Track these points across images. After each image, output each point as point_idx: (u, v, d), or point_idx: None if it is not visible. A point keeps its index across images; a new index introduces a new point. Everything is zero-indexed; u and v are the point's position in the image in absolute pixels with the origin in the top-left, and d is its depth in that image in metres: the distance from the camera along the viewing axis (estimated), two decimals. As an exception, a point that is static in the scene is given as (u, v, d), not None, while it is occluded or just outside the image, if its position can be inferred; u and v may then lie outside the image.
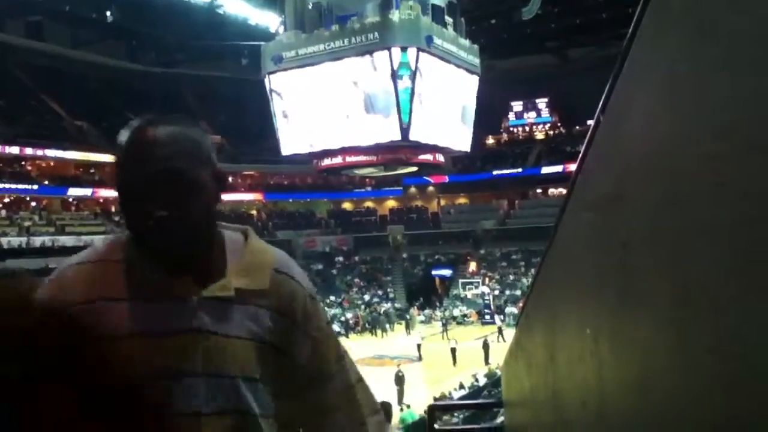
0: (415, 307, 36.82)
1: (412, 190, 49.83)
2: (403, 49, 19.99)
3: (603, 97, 1.25)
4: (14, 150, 35.54)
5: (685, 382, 0.80)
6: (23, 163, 37.55)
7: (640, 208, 0.97)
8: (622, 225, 1.08)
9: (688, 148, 0.77)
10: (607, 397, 1.29)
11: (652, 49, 0.94)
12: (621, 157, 1.10)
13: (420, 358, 24.94)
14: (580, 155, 1.51)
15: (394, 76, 20.03)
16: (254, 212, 48.35)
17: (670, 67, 0.83)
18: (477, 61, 23.75)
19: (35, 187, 36.51)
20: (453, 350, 24.09)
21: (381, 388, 20.15)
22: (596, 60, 38.97)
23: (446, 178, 46.66)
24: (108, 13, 41.32)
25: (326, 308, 35.16)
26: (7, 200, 36.56)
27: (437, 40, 20.88)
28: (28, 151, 36.27)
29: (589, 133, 1.41)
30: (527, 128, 50.59)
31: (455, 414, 12.61)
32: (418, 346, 25.70)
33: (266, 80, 21.93)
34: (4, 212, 35.15)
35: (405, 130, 20.13)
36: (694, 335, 0.76)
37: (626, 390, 1.11)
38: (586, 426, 1.55)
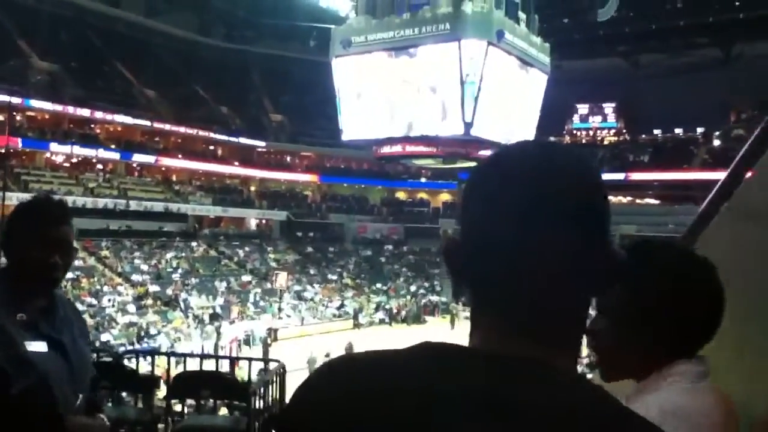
0: (461, 303, 36.60)
1: (468, 185, 49.33)
2: (473, 42, 19.73)
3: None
4: (85, 112, 36.63)
5: None
6: (92, 125, 38.69)
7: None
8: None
9: None
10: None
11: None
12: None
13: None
14: (734, 164, 1.45)
15: (461, 69, 19.79)
16: (309, 193, 48.84)
17: None
18: (547, 60, 23.24)
19: (102, 149, 37.56)
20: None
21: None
22: (668, 68, 37.91)
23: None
24: (184, -15, 42.24)
25: (372, 295, 35.49)
26: (74, 160, 37.78)
27: (508, 36, 20.51)
28: (98, 114, 37.32)
29: (750, 142, 1.34)
30: (591, 132, 49.53)
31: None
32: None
33: (333, 63, 21.96)
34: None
35: (468, 125, 19.90)
36: None
37: None
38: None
